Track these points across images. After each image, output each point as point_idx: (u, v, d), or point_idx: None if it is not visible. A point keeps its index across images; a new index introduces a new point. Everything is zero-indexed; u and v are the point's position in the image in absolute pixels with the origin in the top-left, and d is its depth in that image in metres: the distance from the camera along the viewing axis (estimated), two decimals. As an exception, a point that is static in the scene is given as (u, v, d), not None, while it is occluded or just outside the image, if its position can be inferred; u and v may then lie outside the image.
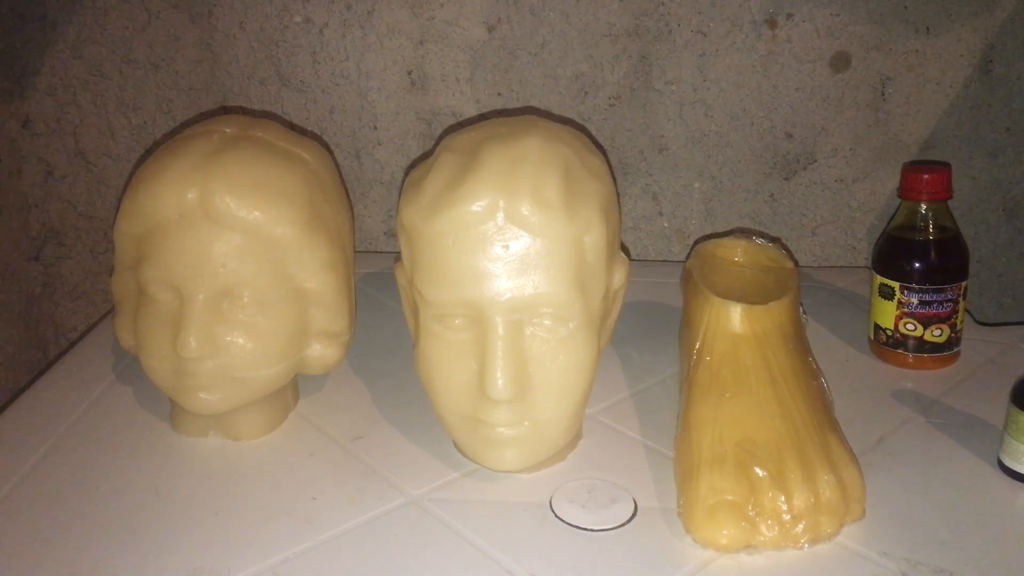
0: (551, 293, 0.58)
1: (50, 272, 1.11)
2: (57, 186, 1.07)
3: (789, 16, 0.95)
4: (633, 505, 0.60)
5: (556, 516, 0.59)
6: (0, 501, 0.61)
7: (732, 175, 1.01)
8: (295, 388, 0.73)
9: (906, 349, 0.76)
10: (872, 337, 0.79)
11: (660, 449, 0.66)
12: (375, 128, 1.02)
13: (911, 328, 0.75)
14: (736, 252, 0.77)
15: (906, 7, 0.94)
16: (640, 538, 0.57)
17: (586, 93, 0.99)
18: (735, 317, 0.65)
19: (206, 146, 0.64)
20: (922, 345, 0.75)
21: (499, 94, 1.00)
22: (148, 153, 0.89)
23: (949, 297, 0.74)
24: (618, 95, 0.99)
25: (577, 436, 0.67)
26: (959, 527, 0.57)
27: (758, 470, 0.56)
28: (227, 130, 0.67)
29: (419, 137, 1.02)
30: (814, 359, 0.67)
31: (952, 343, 0.76)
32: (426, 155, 0.75)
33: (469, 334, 0.59)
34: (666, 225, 1.05)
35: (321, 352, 0.68)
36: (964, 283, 0.75)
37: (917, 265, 0.74)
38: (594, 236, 0.60)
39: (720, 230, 1.03)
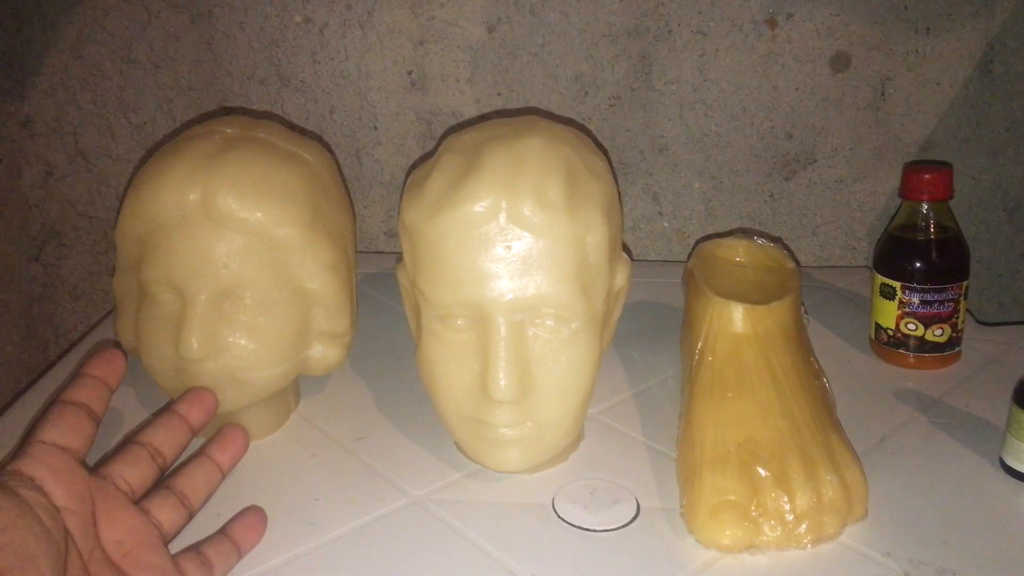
0: (553, 293, 0.58)
1: (50, 272, 1.11)
2: (57, 186, 1.07)
3: (789, 16, 0.95)
4: (635, 505, 0.60)
5: (558, 517, 0.59)
6: (1, 502, 0.61)
7: (732, 175, 1.01)
8: (296, 389, 0.73)
9: (907, 349, 0.76)
10: (873, 337, 0.79)
11: (662, 449, 0.66)
12: (375, 128, 1.02)
13: (912, 328, 0.75)
14: (737, 252, 0.77)
15: (906, 7, 0.94)
16: (643, 538, 0.57)
17: (586, 93, 0.99)
18: (737, 317, 0.65)
19: (207, 147, 0.64)
20: (923, 345, 0.75)
21: (499, 94, 1.00)
22: (149, 153, 0.89)
23: (950, 297, 0.74)
24: (618, 95, 0.99)
25: (579, 437, 0.67)
26: (961, 527, 0.57)
27: (761, 470, 0.56)
28: (228, 131, 0.67)
29: (419, 137, 1.02)
30: (816, 359, 0.67)
31: (953, 343, 0.76)
32: (427, 155, 0.75)
33: (471, 335, 0.59)
34: (666, 225, 1.05)
35: (323, 353, 0.68)
36: (965, 283, 0.75)
37: (918, 265, 0.74)
38: (596, 236, 0.60)
39: (720, 230, 1.03)
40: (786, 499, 0.55)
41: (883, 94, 0.97)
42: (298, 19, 0.98)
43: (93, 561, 0.45)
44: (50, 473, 0.45)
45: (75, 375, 0.51)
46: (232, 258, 0.62)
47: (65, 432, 0.47)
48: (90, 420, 0.49)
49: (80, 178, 1.06)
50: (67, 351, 0.84)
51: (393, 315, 0.85)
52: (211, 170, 0.62)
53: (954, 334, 0.75)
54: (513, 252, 0.57)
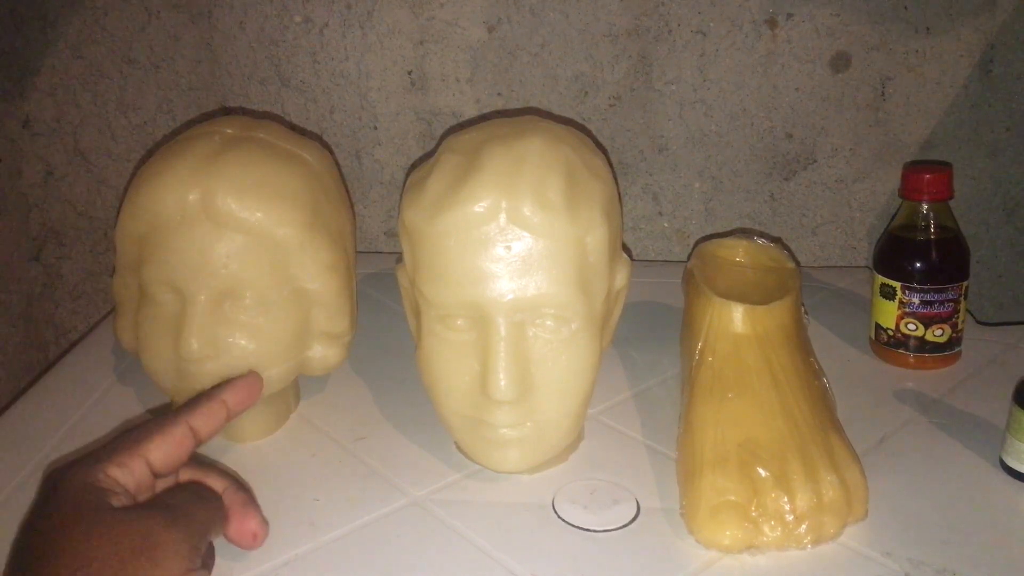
0: (553, 294, 0.58)
1: (50, 272, 1.10)
2: (57, 186, 1.07)
3: (789, 16, 0.95)
4: (635, 506, 0.60)
5: (558, 517, 0.59)
6: (0, 503, 0.61)
7: (732, 175, 1.01)
8: (296, 389, 0.73)
9: (907, 349, 0.76)
10: (873, 337, 0.79)
11: (662, 450, 0.66)
12: (375, 128, 1.02)
13: (912, 328, 0.75)
14: (737, 252, 0.77)
15: (906, 7, 0.94)
16: (643, 539, 0.57)
17: (586, 93, 0.99)
18: (737, 317, 0.65)
19: (207, 147, 0.64)
20: (923, 345, 0.75)
21: (499, 94, 1.00)
22: (149, 153, 0.89)
23: (950, 297, 0.74)
24: (618, 95, 0.99)
25: (579, 437, 0.67)
26: (961, 527, 0.57)
27: (761, 470, 0.56)
28: (228, 131, 0.67)
29: (419, 137, 1.02)
30: (816, 359, 0.67)
31: (953, 343, 0.76)
32: (427, 155, 0.75)
33: (471, 335, 0.59)
34: (666, 225, 1.05)
35: (323, 353, 0.68)
36: (965, 283, 0.75)
37: (918, 265, 0.74)
38: (596, 236, 0.60)
39: (720, 230, 1.03)
40: (786, 499, 0.55)
41: (883, 94, 0.97)
42: (298, 19, 0.98)
43: None
44: (134, 495, 0.45)
45: (210, 395, 0.51)
46: (232, 258, 0.61)
47: (169, 459, 0.47)
48: (189, 452, 0.49)
49: (80, 178, 1.06)
50: (67, 351, 0.84)
51: (393, 315, 0.85)
52: (211, 170, 0.62)
53: (954, 334, 0.75)
54: (513, 252, 0.57)
